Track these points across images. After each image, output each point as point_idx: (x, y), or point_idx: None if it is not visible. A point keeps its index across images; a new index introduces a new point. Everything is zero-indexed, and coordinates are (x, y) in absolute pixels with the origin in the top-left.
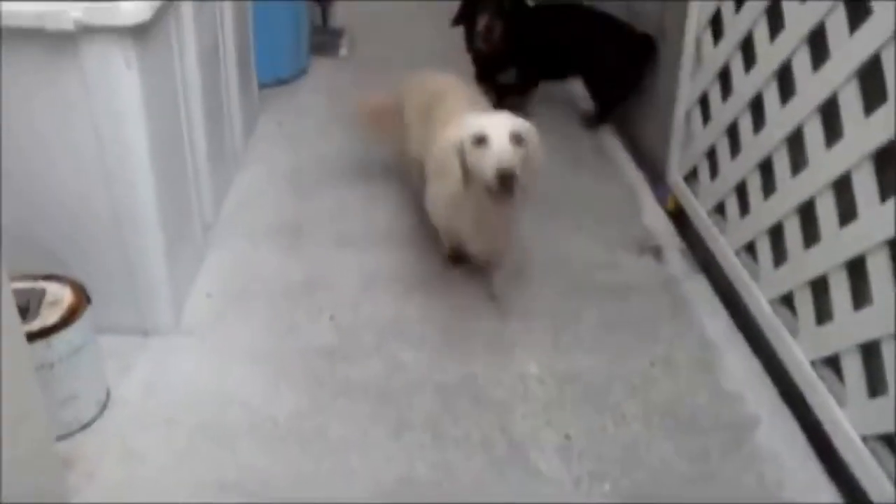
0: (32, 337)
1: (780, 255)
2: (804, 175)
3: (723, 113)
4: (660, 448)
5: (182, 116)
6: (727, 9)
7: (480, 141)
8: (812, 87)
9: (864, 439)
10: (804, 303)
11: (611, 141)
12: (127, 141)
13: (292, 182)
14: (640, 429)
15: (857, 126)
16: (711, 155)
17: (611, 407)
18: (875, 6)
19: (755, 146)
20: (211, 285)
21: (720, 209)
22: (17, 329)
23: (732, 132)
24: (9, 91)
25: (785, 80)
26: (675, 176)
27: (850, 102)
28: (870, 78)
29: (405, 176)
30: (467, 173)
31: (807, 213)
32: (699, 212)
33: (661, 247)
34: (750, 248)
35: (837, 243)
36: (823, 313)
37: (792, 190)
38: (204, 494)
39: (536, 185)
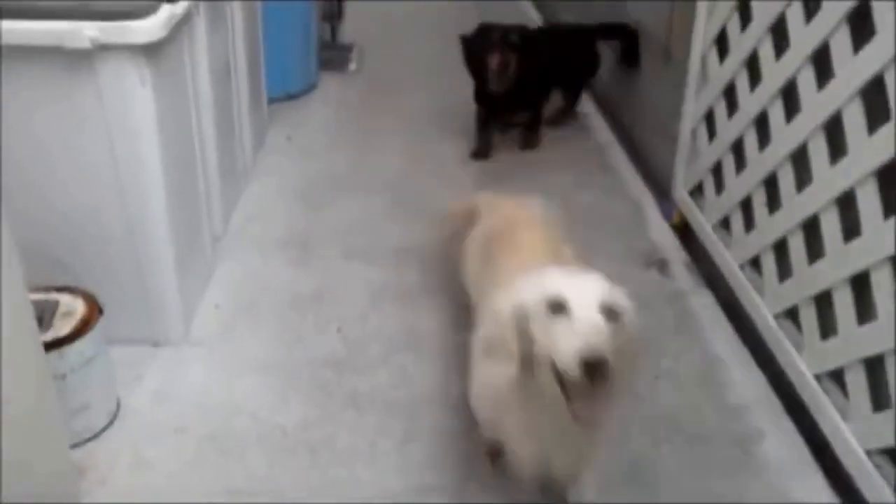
0: (46, 348)
1: (784, 270)
2: (809, 191)
3: (728, 129)
4: (665, 461)
5: (194, 132)
6: (733, 27)
7: (557, 309)
8: (816, 105)
9: (868, 453)
10: (809, 317)
11: (617, 157)
12: (140, 156)
13: (301, 195)
14: (645, 442)
15: (861, 144)
16: (717, 171)
17: (616, 420)
18: (878, 26)
19: (760, 162)
20: (220, 297)
21: (725, 224)
22: (36, 339)
23: (738, 148)
24: (26, 106)
25: (790, 98)
26: (681, 191)
27: (854, 120)
28: (873, 97)
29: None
30: (530, 356)
31: (811, 228)
32: (704, 227)
33: (667, 261)
34: (755, 263)
35: (842, 259)
36: (828, 328)
37: (797, 206)
38: (213, 501)
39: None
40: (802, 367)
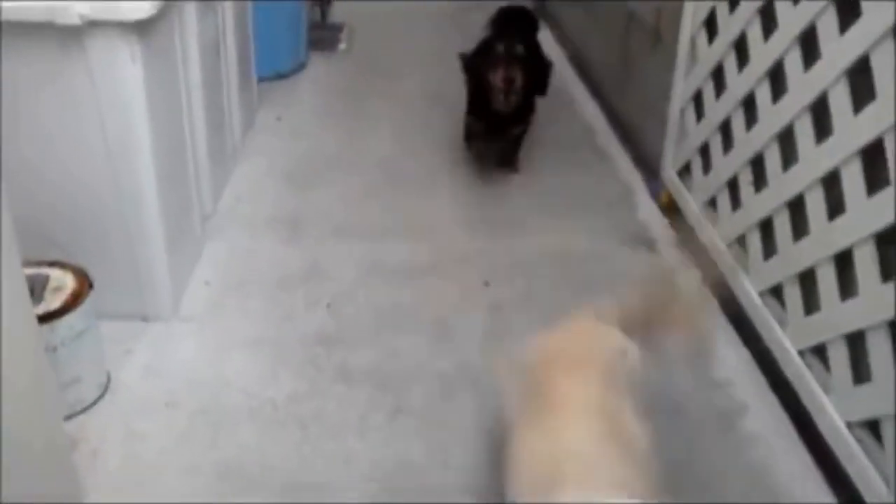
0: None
1: (770, 249)
2: (794, 170)
3: (716, 110)
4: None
5: (184, 110)
6: (722, 9)
7: None
8: (803, 85)
9: (849, 425)
10: (793, 294)
11: (608, 139)
12: (130, 132)
13: (290, 175)
14: None
15: (847, 123)
16: (704, 151)
17: None
18: (865, 8)
19: (747, 142)
20: (210, 274)
21: (712, 204)
22: (30, 312)
23: (725, 129)
24: (17, 83)
25: (777, 79)
26: (669, 171)
27: (840, 100)
28: (859, 77)
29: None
30: None
31: (796, 207)
32: (692, 206)
33: (655, 240)
34: (741, 242)
35: (826, 237)
36: (811, 304)
37: (782, 185)
38: (205, 474)
39: None
40: (786, 343)
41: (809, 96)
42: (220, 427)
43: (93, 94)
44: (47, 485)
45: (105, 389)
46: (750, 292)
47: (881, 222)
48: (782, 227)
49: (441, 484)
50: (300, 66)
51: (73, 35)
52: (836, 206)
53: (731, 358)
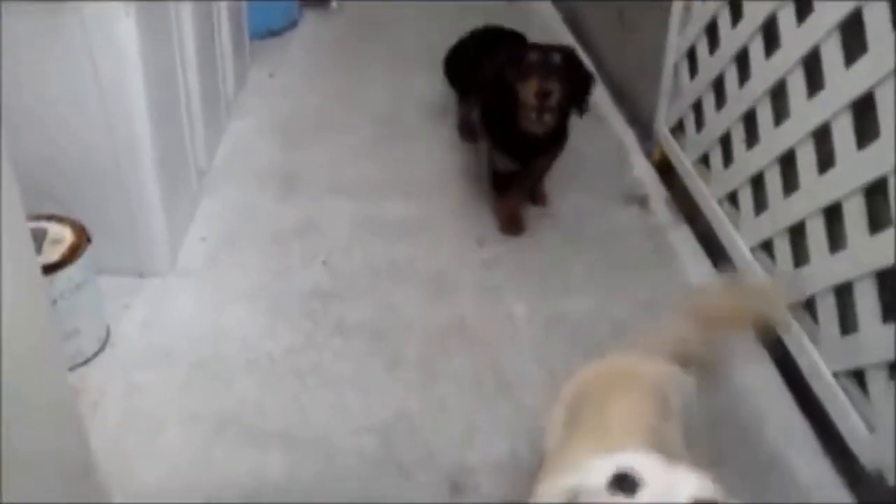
0: None
1: (760, 204)
2: (786, 125)
3: (709, 66)
4: None
5: (177, 63)
6: None
7: (624, 487)
8: (796, 40)
9: (836, 375)
10: (783, 248)
11: (601, 97)
12: (125, 87)
13: (284, 132)
14: None
15: (838, 77)
16: (697, 108)
17: (595, 345)
18: None
19: (740, 99)
20: (205, 230)
21: (705, 160)
22: (34, 263)
23: (718, 85)
24: (12, 38)
25: (770, 35)
26: (662, 128)
27: (832, 55)
28: (851, 31)
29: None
30: None
31: (787, 162)
32: (684, 163)
33: (648, 197)
34: (732, 198)
35: (815, 191)
36: (801, 258)
37: (774, 140)
38: (203, 425)
39: None
40: None
41: (802, 51)
42: (219, 379)
43: (87, 48)
44: (54, 434)
45: (104, 343)
46: (741, 247)
47: (871, 175)
48: (773, 182)
49: (437, 434)
50: (292, 24)
51: None
52: (826, 161)
53: None
